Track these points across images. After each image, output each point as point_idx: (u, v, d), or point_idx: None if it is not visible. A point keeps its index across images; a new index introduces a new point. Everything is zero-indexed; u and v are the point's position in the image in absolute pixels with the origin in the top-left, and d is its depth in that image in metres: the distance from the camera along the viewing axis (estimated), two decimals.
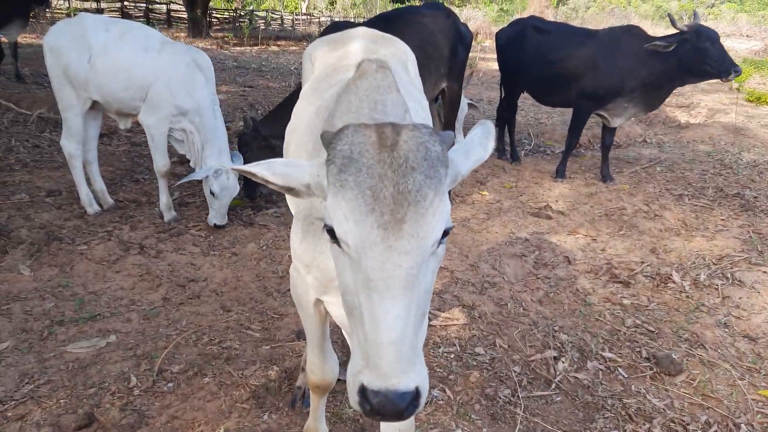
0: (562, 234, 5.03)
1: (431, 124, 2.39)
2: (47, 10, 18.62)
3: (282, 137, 5.22)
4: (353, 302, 1.25)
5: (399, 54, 2.58)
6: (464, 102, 7.07)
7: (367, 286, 1.18)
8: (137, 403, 2.73)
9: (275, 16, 32.81)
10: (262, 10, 33.02)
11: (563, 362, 3.22)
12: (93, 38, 4.47)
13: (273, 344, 3.24)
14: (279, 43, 22.00)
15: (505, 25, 7.63)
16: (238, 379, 2.92)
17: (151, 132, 4.61)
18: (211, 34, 22.06)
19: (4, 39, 10.13)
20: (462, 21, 5.92)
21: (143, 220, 4.86)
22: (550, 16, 26.90)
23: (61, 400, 2.73)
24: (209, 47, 17.95)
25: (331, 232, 1.26)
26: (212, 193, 4.60)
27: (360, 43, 2.48)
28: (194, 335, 3.30)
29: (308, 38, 25.33)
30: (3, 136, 7.11)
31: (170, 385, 2.87)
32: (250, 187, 5.29)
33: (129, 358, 3.07)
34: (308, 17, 37.00)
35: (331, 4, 44.57)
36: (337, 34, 2.72)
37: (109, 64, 4.45)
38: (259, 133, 5.17)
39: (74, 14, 23.23)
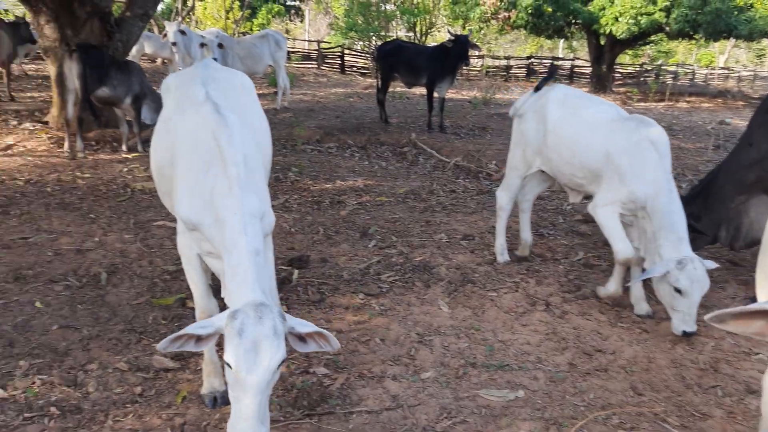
0: None
1: None
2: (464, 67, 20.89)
3: (700, 219, 4.59)
4: None
5: None
6: None
7: None
8: None
9: (687, 70, 30.80)
10: (671, 64, 31.35)
11: None
12: (550, 113, 4.52)
13: None
14: (689, 99, 20.52)
15: None
16: None
17: (598, 216, 4.19)
18: (613, 89, 21.83)
19: (435, 95, 11.65)
20: None
21: (548, 276, 4.88)
22: None
23: None
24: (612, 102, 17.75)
25: None
26: (677, 290, 3.71)
27: None
28: (603, 412, 3.10)
29: (725, 95, 23.07)
30: (426, 179, 8.12)
31: None
32: None
33: (536, 419, 3.03)
34: (726, 71, 33.74)
35: (758, 57, 39.66)
36: None
37: (557, 139, 4.45)
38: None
39: (486, 70, 25.63)
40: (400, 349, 3.69)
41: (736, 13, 17.63)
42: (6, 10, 22.81)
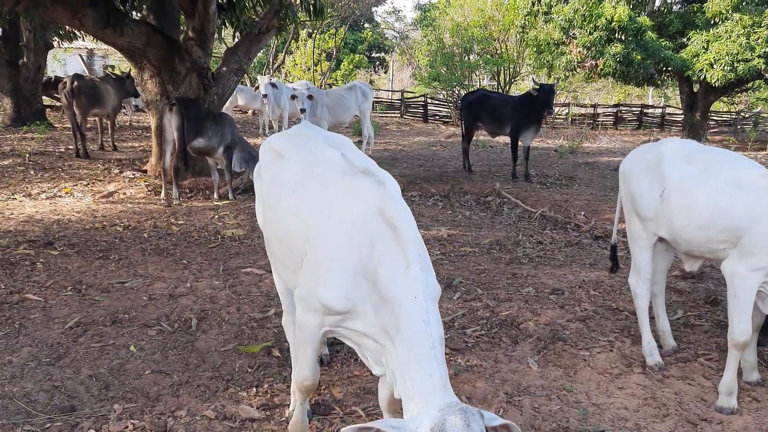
0: None
1: None
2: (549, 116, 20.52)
3: None
4: None
5: None
6: None
7: None
8: None
9: None
10: None
11: None
12: (668, 170, 3.89)
13: None
14: None
15: None
16: None
17: (734, 283, 3.55)
18: (708, 137, 20.90)
19: (520, 143, 11.51)
20: None
21: None
22: None
23: None
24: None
25: None
26: None
27: None
28: None
29: None
30: (512, 230, 7.94)
31: None
32: None
33: None
34: None
35: None
36: None
37: (685, 200, 3.76)
38: None
39: (571, 118, 25.09)
40: (488, 408, 3.53)
41: None
42: (112, 66, 24.71)
